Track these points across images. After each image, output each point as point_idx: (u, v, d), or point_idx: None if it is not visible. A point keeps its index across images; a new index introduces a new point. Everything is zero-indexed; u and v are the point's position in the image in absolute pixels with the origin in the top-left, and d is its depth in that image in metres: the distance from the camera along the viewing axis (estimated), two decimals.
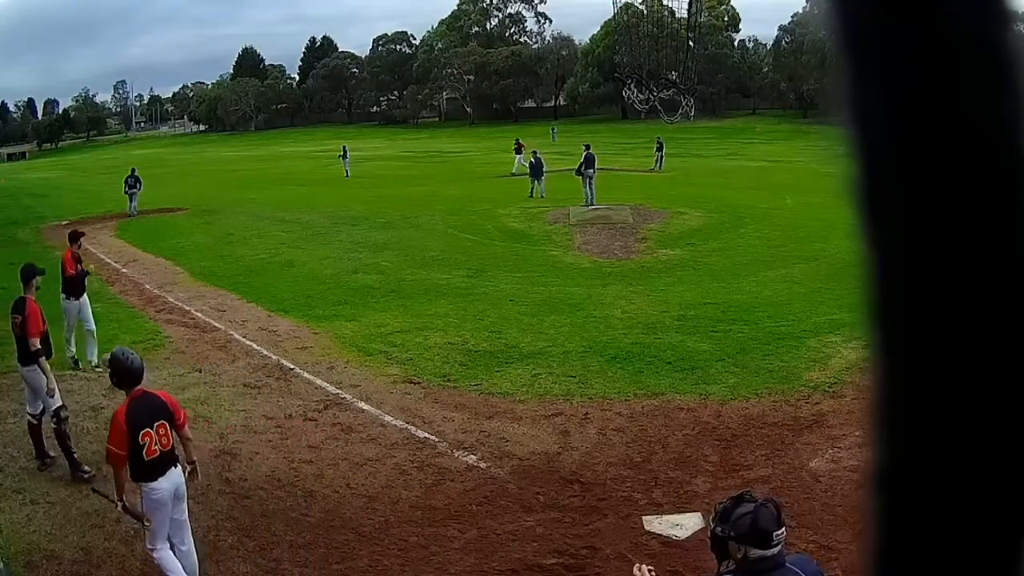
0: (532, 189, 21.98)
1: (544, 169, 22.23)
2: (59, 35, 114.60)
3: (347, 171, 31.55)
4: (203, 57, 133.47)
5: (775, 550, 2.41)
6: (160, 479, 4.62)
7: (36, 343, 6.37)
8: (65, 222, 21.29)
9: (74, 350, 8.91)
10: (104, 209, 22.97)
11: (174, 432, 4.76)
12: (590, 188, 20.07)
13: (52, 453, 6.39)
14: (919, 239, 0.37)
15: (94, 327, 9.04)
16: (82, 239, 9.33)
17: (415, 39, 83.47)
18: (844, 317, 9.04)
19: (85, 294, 9.02)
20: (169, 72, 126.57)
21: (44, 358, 6.43)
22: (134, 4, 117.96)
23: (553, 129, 52.89)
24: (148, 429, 4.57)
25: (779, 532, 2.42)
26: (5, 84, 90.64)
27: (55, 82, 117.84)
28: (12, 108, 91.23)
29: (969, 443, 0.37)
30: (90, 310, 9.08)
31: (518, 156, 28.80)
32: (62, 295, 8.78)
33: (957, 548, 0.39)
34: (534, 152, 23.27)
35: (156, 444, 4.61)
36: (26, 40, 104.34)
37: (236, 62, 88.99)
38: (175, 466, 4.74)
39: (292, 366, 8.62)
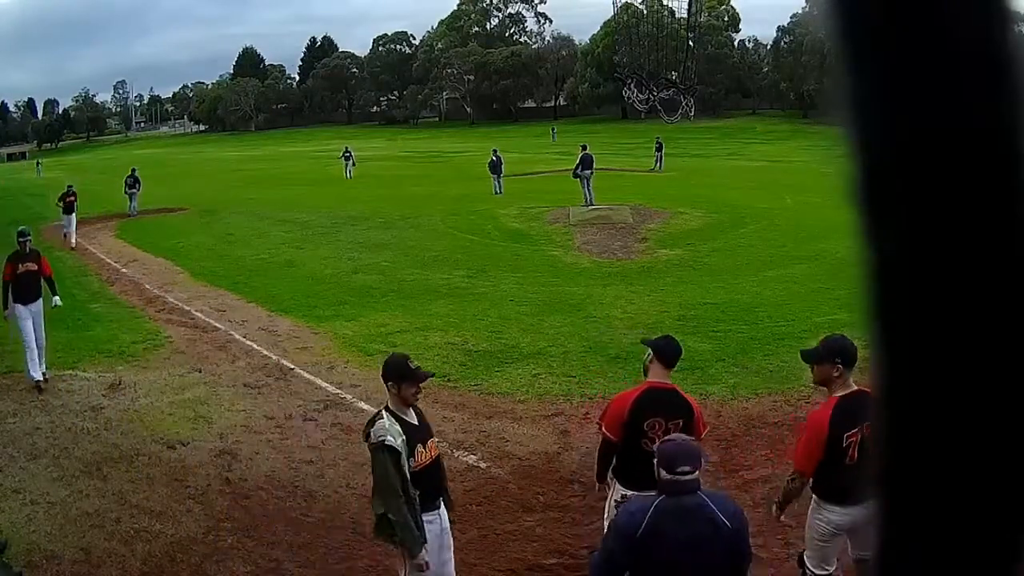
0: (494, 186, 23.89)
1: (502, 167, 24.11)
2: (60, 35, 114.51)
3: (347, 172, 31.56)
4: (208, 57, 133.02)
5: (684, 478, 2.91)
6: None
7: None
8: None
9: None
10: (104, 209, 22.97)
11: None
12: (588, 189, 20.06)
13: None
14: (919, 239, 0.37)
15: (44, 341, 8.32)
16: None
17: (415, 39, 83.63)
18: (844, 317, 9.01)
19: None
20: (172, 72, 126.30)
21: None
22: (137, 4, 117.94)
23: (553, 129, 53.05)
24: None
25: (685, 467, 2.91)
26: (5, 84, 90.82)
27: (55, 82, 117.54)
28: (12, 108, 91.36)
29: (969, 442, 0.37)
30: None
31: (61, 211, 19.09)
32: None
33: (957, 548, 0.39)
34: (494, 151, 25.04)
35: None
36: (27, 40, 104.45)
37: (236, 62, 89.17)
38: None
39: (292, 366, 8.61)
